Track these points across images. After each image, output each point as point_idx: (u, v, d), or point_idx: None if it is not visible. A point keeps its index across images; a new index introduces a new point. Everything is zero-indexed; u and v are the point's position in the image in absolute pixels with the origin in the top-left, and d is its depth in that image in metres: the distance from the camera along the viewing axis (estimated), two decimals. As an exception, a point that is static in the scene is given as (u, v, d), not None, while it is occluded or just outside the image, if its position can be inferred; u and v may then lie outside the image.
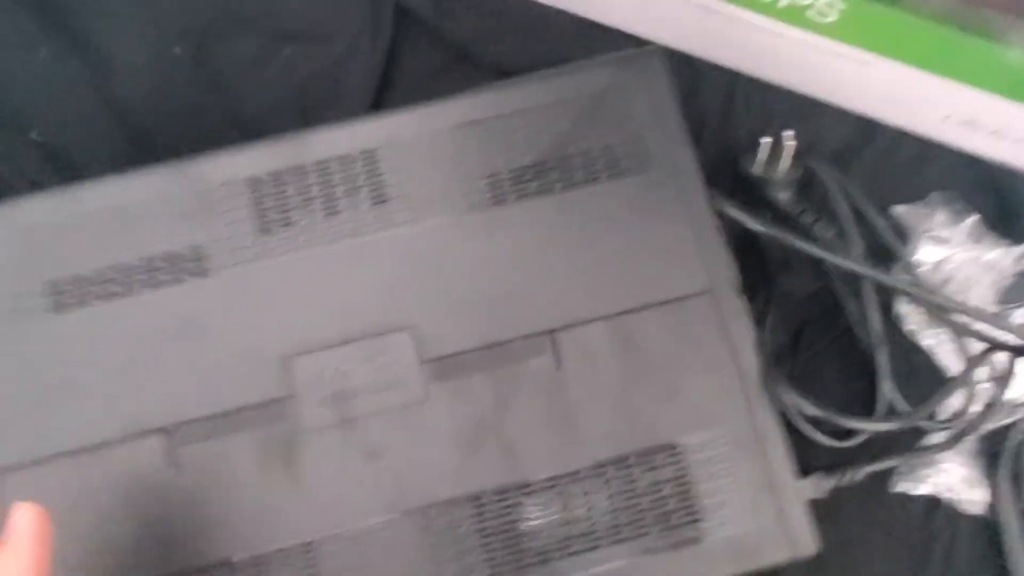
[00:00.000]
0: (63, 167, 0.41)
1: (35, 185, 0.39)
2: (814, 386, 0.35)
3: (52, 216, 0.34)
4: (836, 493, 0.35)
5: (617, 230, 0.33)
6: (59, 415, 0.32)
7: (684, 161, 0.34)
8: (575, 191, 0.34)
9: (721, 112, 0.43)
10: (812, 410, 0.32)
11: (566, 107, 0.34)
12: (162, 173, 0.34)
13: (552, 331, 0.33)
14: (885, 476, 0.39)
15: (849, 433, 0.38)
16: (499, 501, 0.31)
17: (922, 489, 0.39)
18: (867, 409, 0.39)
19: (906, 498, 0.39)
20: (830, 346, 0.40)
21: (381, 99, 0.43)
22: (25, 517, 0.27)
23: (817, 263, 0.41)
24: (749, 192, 0.39)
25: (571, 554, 0.31)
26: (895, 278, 0.36)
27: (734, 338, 0.33)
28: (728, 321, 0.33)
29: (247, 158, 0.34)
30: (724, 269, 0.33)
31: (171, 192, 0.34)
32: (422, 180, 0.34)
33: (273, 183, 0.34)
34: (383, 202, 0.34)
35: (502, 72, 0.42)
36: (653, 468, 0.32)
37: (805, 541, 0.31)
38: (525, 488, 0.32)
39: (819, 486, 0.35)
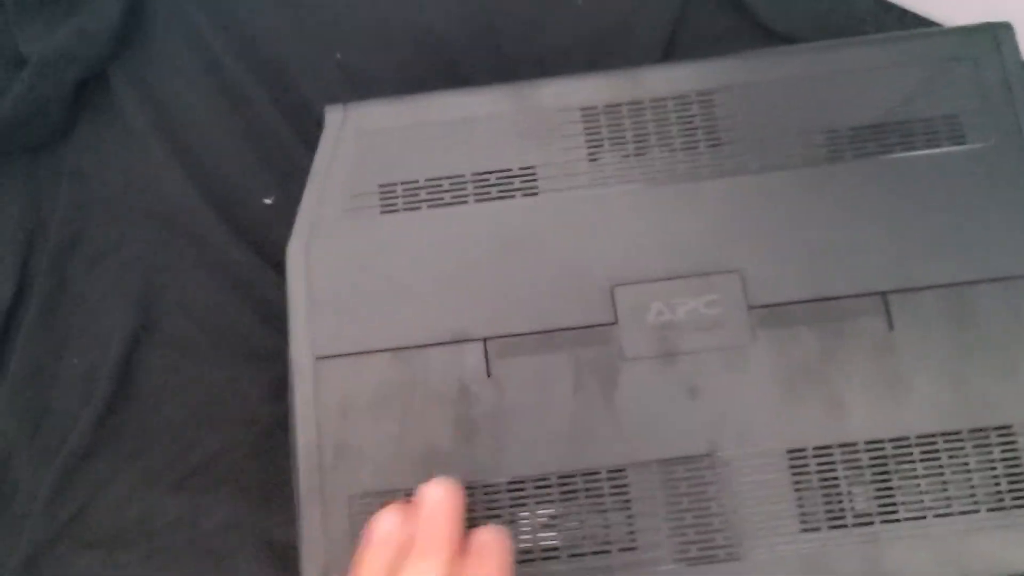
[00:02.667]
0: (362, 89, 0.42)
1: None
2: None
3: (392, 122, 0.34)
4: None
5: (958, 199, 0.33)
6: (382, 313, 0.33)
7: (1033, 138, 0.33)
8: (915, 155, 0.33)
9: None
10: None
11: (912, 71, 0.34)
12: (501, 93, 0.34)
13: (885, 293, 0.32)
14: None
15: None
16: (820, 457, 0.31)
17: None
18: None
19: None
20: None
21: (667, 56, 0.43)
22: (492, 536, 0.29)
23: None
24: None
25: (892, 521, 0.30)
26: None
27: (1078, 324, 0.31)
28: (1073, 306, 0.32)
29: (585, 87, 0.34)
30: (1071, 252, 0.32)
31: (508, 112, 0.34)
32: (758, 128, 0.34)
33: (609, 114, 0.34)
34: (717, 145, 0.34)
35: (788, 41, 0.42)
36: (985, 446, 0.31)
37: None
38: (848, 447, 0.31)
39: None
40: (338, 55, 0.43)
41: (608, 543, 0.30)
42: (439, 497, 0.29)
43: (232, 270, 0.40)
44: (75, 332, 0.40)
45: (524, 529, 0.31)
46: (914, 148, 0.33)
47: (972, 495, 0.30)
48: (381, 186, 0.34)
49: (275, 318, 0.37)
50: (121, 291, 0.40)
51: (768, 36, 0.43)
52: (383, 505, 0.30)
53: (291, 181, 0.40)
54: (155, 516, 0.38)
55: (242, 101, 0.42)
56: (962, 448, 0.31)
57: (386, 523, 0.29)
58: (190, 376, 0.40)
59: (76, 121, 0.42)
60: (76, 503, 0.37)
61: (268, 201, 0.42)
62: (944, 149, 0.33)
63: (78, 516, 0.37)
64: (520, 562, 0.30)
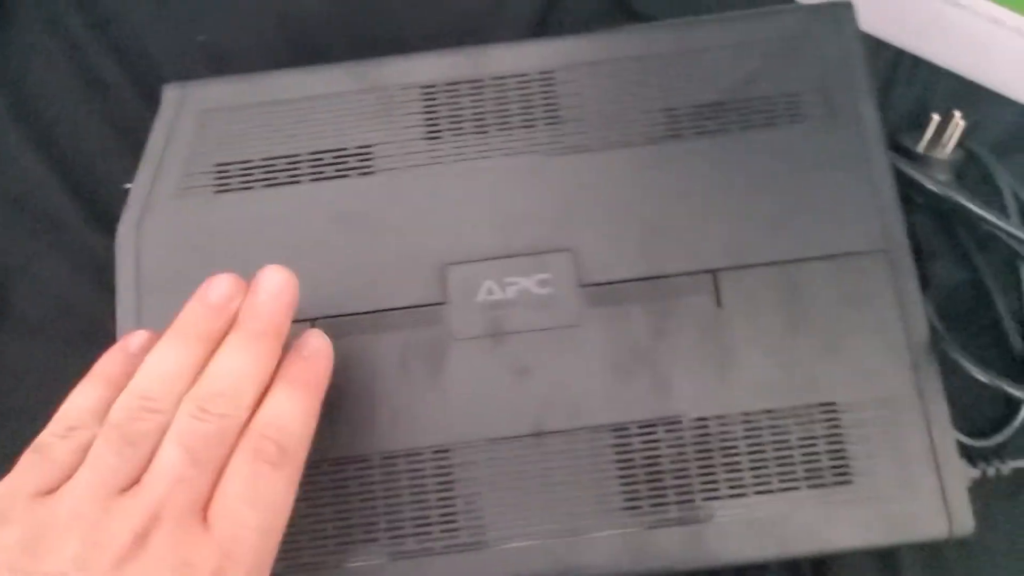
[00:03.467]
0: (226, 71, 0.41)
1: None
2: (948, 382, 0.34)
3: (229, 101, 0.34)
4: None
5: (792, 177, 0.33)
6: (213, 294, 0.32)
7: (868, 115, 0.33)
8: (753, 133, 0.33)
9: (881, 90, 0.42)
10: (981, 375, 0.31)
11: (752, 49, 0.34)
12: (342, 71, 0.34)
13: (715, 271, 0.32)
14: (1018, 483, 0.37)
15: (987, 432, 0.37)
16: (644, 434, 0.31)
17: (1061, 500, 0.37)
18: (1002, 415, 0.38)
19: (1039, 509, 0.37)
20: (967, 343, 0.39)
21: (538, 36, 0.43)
22: (322, 343, 0.28)
23: (965, 255, 0.40)
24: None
25: (713, 498, 0.30)
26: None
27: (905, 301, 0.31)
28: (900, 283, 0.32)
29: (426, 65, 0.34)
30: (900, 229, 0.32)
31: (347, 90, 0.34)
32: (598, 106, 0.33)
33: (449, 92, 0.34)
34: (556, 123, 0.33)
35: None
36: (808, 423, 0.31)
37: (964, 520, 0.30)
38: (673, 425, 0.31)
39: (963, 474, 0.33)
40: (200, 37, 0.42)
41: (428, 524, 0.30)
42: (279, 283, 0.28)
43: (88, 254, 0.40)
44: (-77, 317, 0.39)
45: (345, 511, 0.30)
46: (752, 126, 0.33)
47: (793, 473, 0.30)
48: (216, 165, 0.34)
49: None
50: (-27, 275, 0.40)
51: (637, 20, 0.43)
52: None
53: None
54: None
55: (101, 85, 0.41)
56: (785, 426, 0.31)
57: (224, 286, 0.27)
58: (44, 361, 0.39)
59: (-71, 102, 0.41)
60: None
61: (127, 186, 0.41)
62: (781, 128, 0.33)
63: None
64: (338, 543, 0.30)
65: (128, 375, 0.27)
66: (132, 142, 0.41)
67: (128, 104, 0.41)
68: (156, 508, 0.24)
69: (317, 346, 0.28)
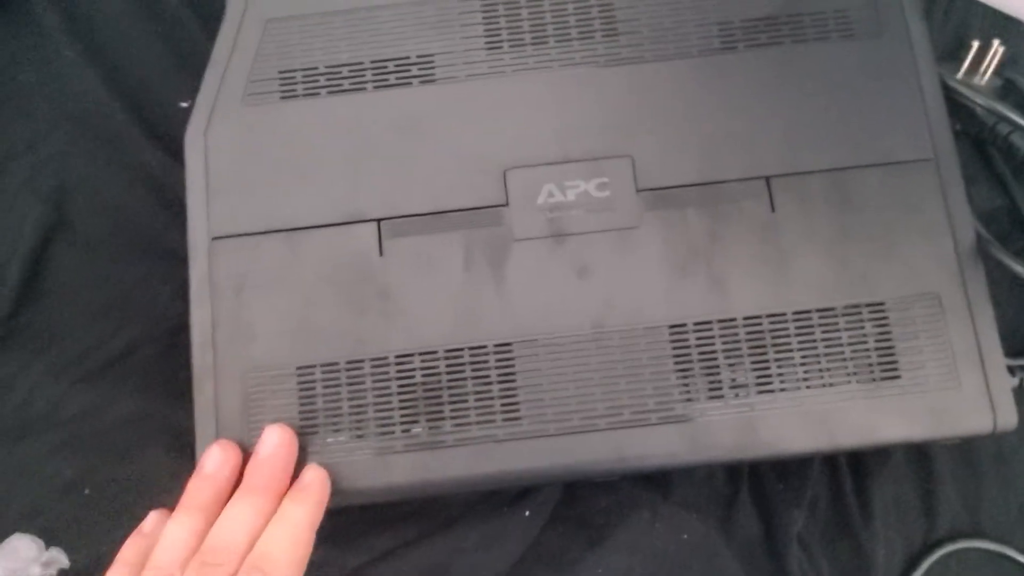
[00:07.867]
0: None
1: None
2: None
3: (295, 10, 0.35)
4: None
5: (844, 88, 0.33)
6: (279, 195, 0.33)
7: (917, 31, 0.34)
8: (805, 46, 0.34)
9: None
10: (1024, 271, 0.32)
11: (804, -35, 0.35)
12: (402, -19, 0.35)
13: (769, 177, 0.33)
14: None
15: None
16: (701, 331, 0.32)
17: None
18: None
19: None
20: (997, 267, 0.40)
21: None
22: (316, 475, 0.31)
23: (1001, 181, 0.41)
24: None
25: (766, 391, 0.31)
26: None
27: (952, 207, 0.33)
28: (948, 190, 0.33)
29: (486, -23, 0.35)
30: (948, 139, 0.33)
31: (409, 1, 0.35)
32: (654, 19, 0.34)
33: (508, 5, 0.35)
34: (614, 35, 0.34)
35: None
36: (858, 322, 0.32)
37: (1007, 414, 0.31)
38: (728, 322, 0.32)
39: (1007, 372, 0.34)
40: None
41: (492, 414, 0.31)
42: (276, 441, 0.31)
43: (145, 171, 0.40)
44: (-15, 229, 0.40)
45: (411, 400, 0.31)
46: (804, 40, 0.34)
47: (843, 368, 0.31)
48: (281, 72, 0.34)
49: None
50: (33, 189, 0.40)
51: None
52: (275, 379, 0.31)
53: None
54: (62, 408, 0.38)
55: (159, 5, 0.42)
56: (836, 324, 0.32)
57: (216, 457, 0.31)
58: (102, 274, 0.40)
59: (-13, 20, 0.42)
60: (-18, 394, 0.38)
61: (184, 104, 0.42)
62: (832, 41, 0.34)
63: (-16, 406, 0.37)
64: (406, 429, 0.31)
65: (146, 555, 0.30)
66: (188, 61, 0.42)
67: (184, 23, 0.42)
68: None
69: (309, 479, 0.31)
